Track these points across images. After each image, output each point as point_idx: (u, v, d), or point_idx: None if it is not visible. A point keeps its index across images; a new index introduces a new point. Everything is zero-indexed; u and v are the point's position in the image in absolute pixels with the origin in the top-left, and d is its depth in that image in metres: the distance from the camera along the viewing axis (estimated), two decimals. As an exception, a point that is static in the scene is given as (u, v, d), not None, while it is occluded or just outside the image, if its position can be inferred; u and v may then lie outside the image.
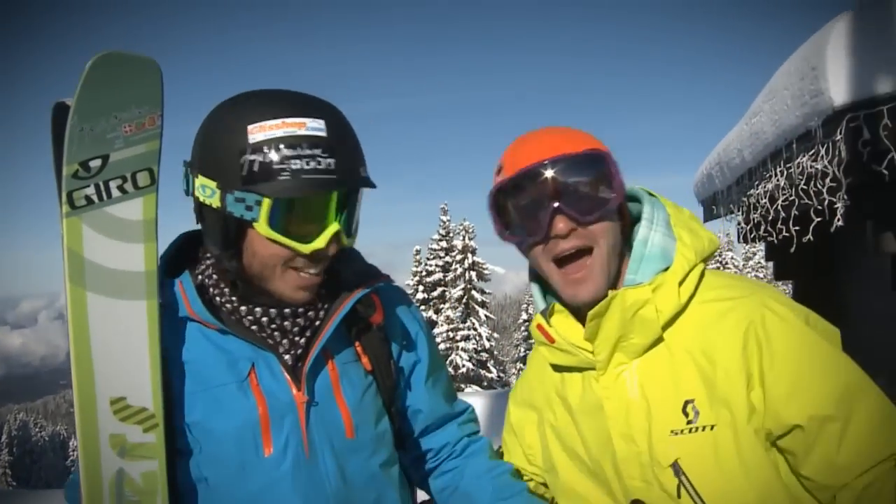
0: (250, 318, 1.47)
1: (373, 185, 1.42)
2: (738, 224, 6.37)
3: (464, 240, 34.11)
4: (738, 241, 6.69)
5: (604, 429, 1.50)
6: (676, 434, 1.41)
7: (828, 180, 4.52)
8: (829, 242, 5.47)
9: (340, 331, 1.52)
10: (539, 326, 1.58)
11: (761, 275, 38.94)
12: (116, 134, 1.30)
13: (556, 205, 1.41)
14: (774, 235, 5.56)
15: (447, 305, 33.62)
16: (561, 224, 1.41)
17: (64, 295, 1.31)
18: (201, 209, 1.43)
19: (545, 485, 1.74)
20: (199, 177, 1.39)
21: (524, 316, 40.96)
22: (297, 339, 1.48)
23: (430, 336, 1.75)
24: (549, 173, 1.42)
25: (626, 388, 1.48)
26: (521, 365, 38.31)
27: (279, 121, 1.34)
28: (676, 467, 1.40)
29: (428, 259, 35.34)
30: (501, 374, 35.23)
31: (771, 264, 7.84)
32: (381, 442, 1.56)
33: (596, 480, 1.55)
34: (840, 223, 4.66)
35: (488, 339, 33.72)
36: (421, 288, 34.79)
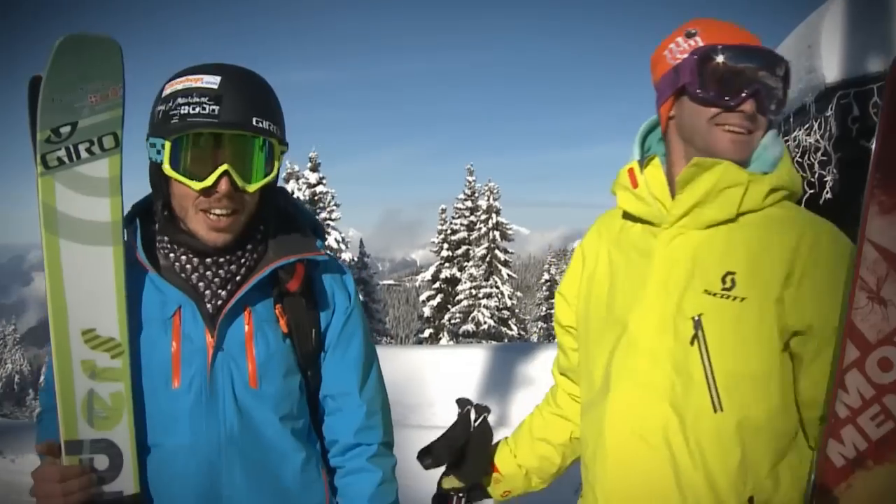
0: (178, 264, 1.63)
1: (258, 132, 1.53)
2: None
3: (488, 200, 34.04)
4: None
5: (641, 277, 1.63)
6: (709, 294, 1.52)
7: (819, 154, 4.61)
8: (822, 215, 5.54)
9: (264, 290, 1.66)
10: (630, 170, 1.72)
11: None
12: (83, 104, 1.47)
13: (758, 89, 1.54)
14: (771, 206, 5.62)
15: (471, 263, 33.67)
16: (749, 106, 1.55)
17: (41, 243, 1.48)
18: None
19: None
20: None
21: (546, 277, 40.94)
22: (218, 290, 1.63)
23: (361, 314, 1.84)
24: (768, 60, 1.57)
25: (681, 248, 1.59)
26: (543, 324, 38.40)
27: (183, 78, 1.55)
28: (698, 321, 1.52)
29: (453, 218, 35.25)
30: (522, 333, 35.36)
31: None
32: (286, 398, 1.68)
33: (602, 327, 1.69)
34: (829, 196, 4.74)
35: (510, 298, 33.82)
36: (446, 246, 34.83)
